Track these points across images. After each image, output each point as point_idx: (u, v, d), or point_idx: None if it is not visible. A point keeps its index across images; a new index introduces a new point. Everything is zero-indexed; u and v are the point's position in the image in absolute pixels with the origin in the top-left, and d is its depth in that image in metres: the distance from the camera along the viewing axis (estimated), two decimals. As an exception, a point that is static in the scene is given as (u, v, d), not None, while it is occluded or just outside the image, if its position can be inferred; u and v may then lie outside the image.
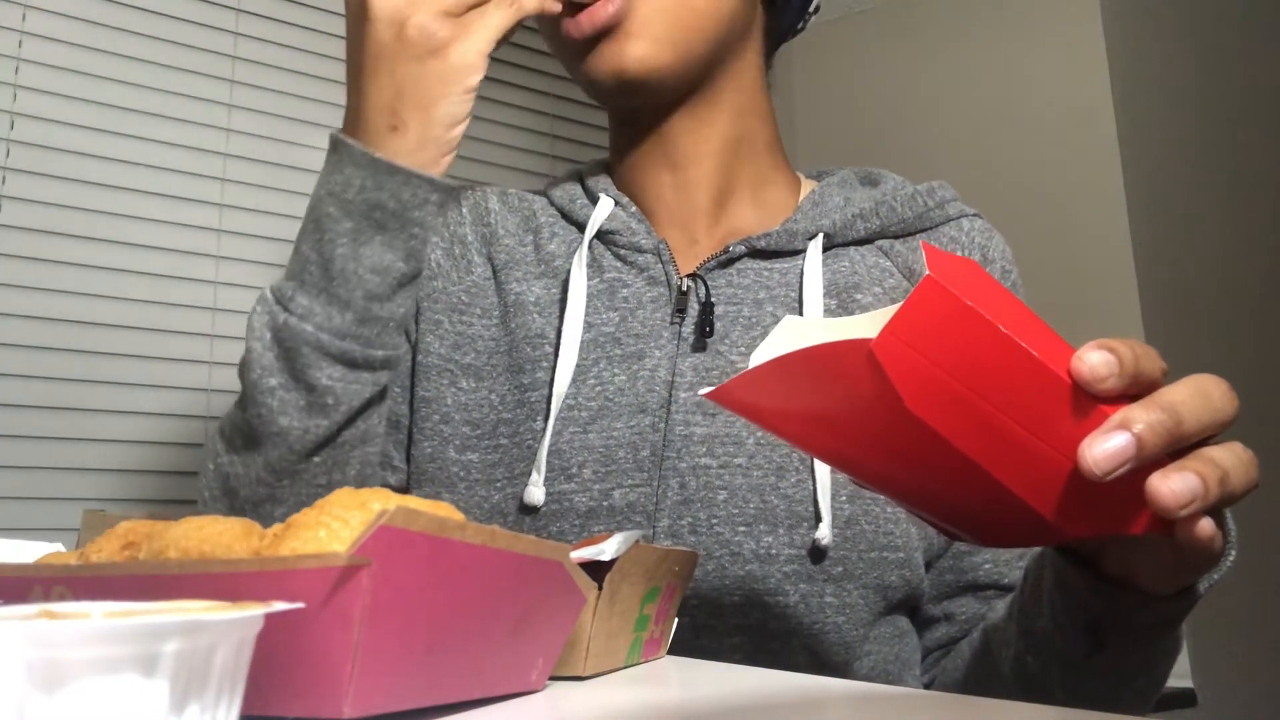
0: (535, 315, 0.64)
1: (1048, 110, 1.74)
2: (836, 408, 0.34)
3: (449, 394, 0.64)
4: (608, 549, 0.36)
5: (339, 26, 1.61)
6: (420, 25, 0.51)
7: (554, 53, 0.65)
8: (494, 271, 0.67)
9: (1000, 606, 0.60)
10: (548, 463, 0.59)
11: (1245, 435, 0.35)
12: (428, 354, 0.65)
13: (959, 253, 0.65)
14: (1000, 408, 0.32)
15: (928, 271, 0.31)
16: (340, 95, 1.60)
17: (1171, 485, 0.32)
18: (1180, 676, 1.28)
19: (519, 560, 0.29)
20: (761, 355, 0.38)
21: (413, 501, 0.26)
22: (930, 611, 0.64)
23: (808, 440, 0.37)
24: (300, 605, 0.21)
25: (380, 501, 0.27)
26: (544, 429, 0.60)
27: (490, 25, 0.53)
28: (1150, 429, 0.31)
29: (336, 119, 1.59)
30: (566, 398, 0.60)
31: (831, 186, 0.68)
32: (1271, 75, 1.43)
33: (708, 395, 0.36)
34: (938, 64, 1.91)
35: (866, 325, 0.36)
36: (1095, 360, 0.32)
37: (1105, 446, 0.31)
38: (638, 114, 0.67)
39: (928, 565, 0.62)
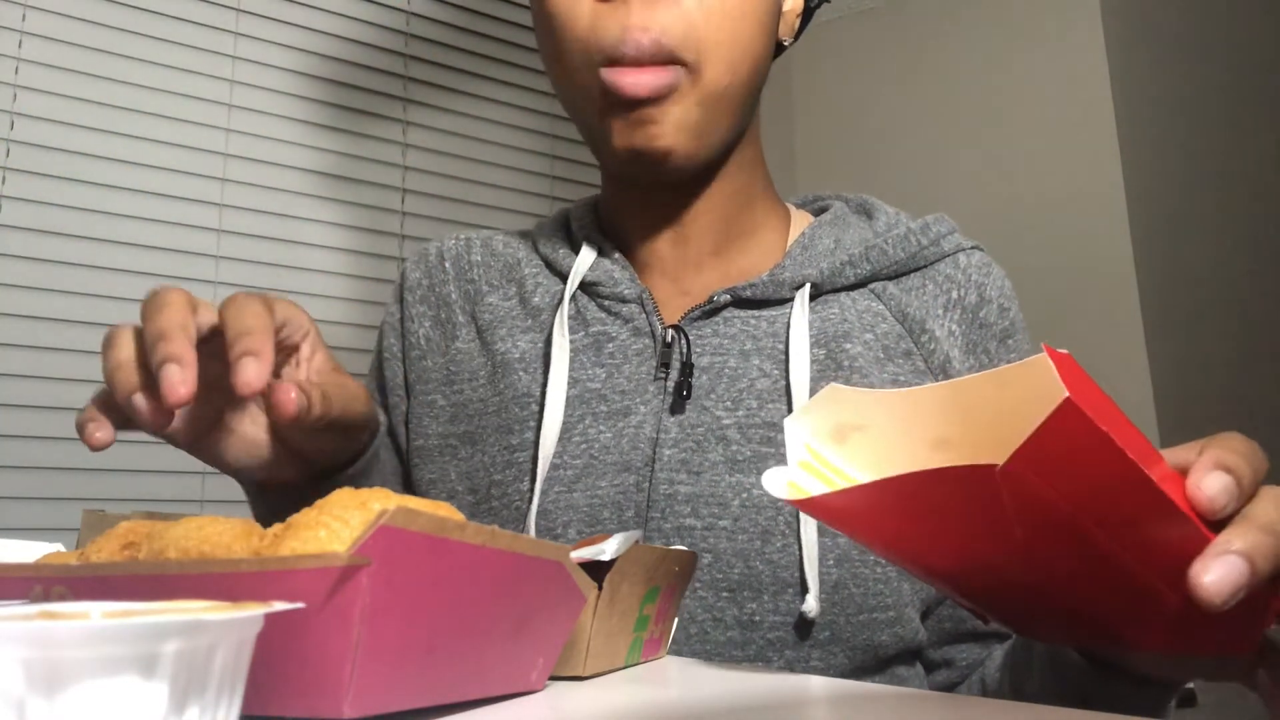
0: (521, 373, 0.63)
1: (1048, 111, 1.74)
2: (933, 521, 0.33)
3: (452, 468, 0.64)
4: (608, 549, 0.36)
5: (338, 26, 1.61)
6: None
7: (573, 113, 0.62)
8: (479, 331, 0.66)
9: (997, 654, 0.60)
10: (535, 524, 0.58)
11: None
12: (426, 438, 0.65)
13: (955, 291, 0.63)
14: (1109, 533, 0.31)
15: (1065, 393, 0.28)
16: (340, 95, 1.60)
17: None
18: (1180, 676, 1.28)
19: (519, 560, 0.29)
20: (798, 423, 0.38)
21: (413, 502, 0.26)
22: (930, 656, 0.63)
23: (890, 546, 0.36)
24: (300, 605, 0.21)
25: (380, 501, 0.27)
26: (530, 490, 0.59)
27: None
28: (1259, 552, 0.30)
29: (336, 119, 1.59)
30: (553, 457, 0.59)
31: (823, 227, 0.65)
32: (1271, 76, 1.43)
33: (795, 503, 0.34)
34: (938, 64, 1.91)
35: (936, 400, 0.35)
36: (1216, 490, 0.31)
37: (1222, 576, 0.30)
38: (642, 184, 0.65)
39: (926, 613, 0.61)
